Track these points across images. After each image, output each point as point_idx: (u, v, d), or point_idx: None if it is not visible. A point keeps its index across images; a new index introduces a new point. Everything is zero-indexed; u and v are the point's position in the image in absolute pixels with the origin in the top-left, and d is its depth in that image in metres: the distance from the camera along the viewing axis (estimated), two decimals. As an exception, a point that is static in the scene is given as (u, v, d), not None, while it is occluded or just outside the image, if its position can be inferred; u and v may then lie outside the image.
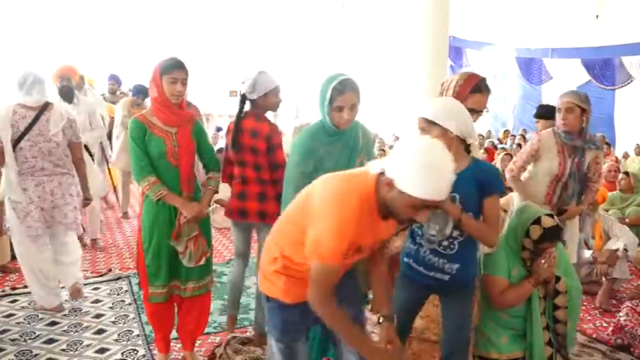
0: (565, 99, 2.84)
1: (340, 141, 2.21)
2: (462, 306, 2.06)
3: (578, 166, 2.90)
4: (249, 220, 2.82)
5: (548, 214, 2.26)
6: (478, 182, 1.89)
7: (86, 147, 4.62)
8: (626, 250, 3.68)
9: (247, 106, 2.84)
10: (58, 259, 3.47)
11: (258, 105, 2.80)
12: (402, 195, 1.44)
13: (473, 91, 2.15)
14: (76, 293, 3.56)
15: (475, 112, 2.15)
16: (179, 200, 2.48)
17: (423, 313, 2.31)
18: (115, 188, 6.10)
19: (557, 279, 2.33)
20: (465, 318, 2.07)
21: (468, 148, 1.94)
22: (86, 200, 3.55)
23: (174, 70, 2.42)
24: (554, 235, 2.23)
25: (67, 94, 4.41)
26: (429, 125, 1.86)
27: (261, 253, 1.88)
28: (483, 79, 2.20)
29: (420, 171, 1.40)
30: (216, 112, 11.97)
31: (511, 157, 6.46)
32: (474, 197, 1.90)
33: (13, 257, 4.37)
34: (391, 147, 8.45)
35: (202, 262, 2.56)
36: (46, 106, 3.23)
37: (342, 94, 2.09)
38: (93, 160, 4.78)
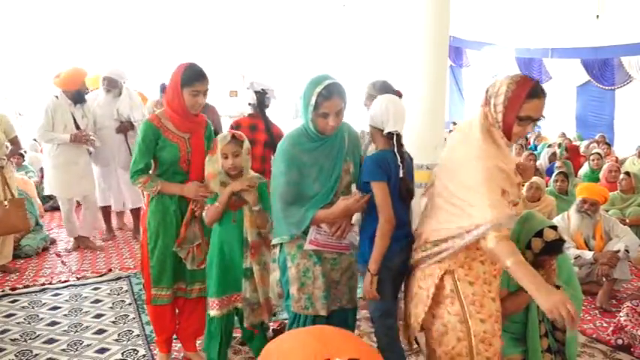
0: None
1: (324, 146, 2.07)
2: None
3: None
4: None
5: (552, 227, 2.24)
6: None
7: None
8: (627, 251, 3.67)
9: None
10: None
11: None
12: None
13: (530, 96, 1.77)
14: None
15: (532, 120, 1.80)
16: (177, 187, 2.45)
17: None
18: None
19: (557, 287, 2.32)
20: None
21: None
22: None
23: (197, 82, 2.35)
24: (555, 248, 2.22)
25: (79, 98, 4.63)
26: None
27: None
28: (538, 82, 1.84)
29: None
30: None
31: (511, 157, 6.46)
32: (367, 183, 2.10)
33: (14, 257, 4.40)
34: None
35: (204, 266, 2.54)
36: None
37: (329, 99, 1.95)
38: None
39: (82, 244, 4.90)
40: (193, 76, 2.35)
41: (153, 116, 2.46)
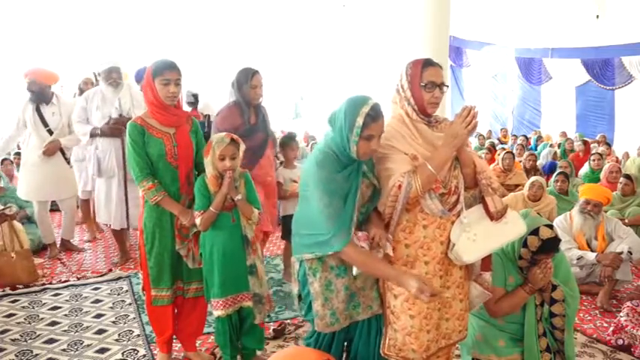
0: None
1: (351, 170, 1.90)
2: None
3: None
4: None
5: (547, 225, 2.24)
6: None
7: (62, 150, 4.51)
8: (630, 252, 3.66)
9: None
10: None
11: None
12: None
13: (425, 66, 1.95)
14: None
15: (435, 85, 1.92)
16: (176, 206, 2.47)
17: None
18: None
19: (554, 287, 2.32)
20: None
21: None
22: None
23: (166, 71, 2.41)
24: (551, 246, 2.22)
25: (39, 96, 4.39)
26: None
27: None
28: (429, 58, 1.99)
29: None
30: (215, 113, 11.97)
31: (512, 155, 6.47)
32: None
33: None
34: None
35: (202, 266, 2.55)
36: None
37: (376, 121, 1.81)
38: (69, 163, 4.65)
39: (62, 246, 4.86)
40: (162, 66, 2.43)
41: (137, 117, 2.52)
